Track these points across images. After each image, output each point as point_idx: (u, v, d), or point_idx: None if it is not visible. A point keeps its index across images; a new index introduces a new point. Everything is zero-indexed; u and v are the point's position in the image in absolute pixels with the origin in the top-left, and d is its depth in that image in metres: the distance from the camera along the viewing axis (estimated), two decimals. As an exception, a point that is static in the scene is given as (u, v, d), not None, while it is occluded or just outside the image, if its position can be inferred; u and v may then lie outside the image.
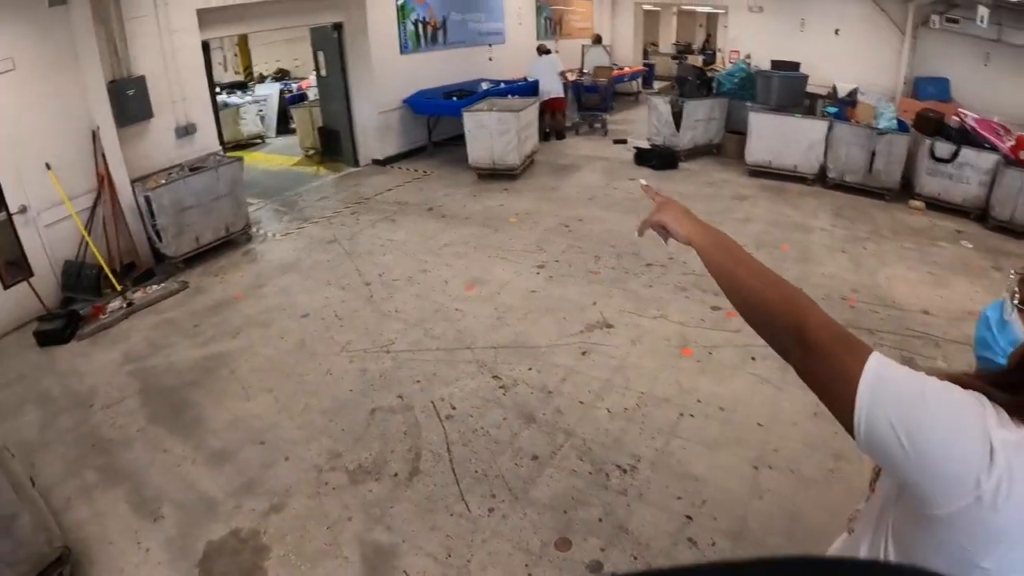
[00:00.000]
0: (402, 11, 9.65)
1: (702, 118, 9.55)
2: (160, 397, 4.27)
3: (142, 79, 6.19)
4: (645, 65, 16.71)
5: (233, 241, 6.89)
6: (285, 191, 8.92)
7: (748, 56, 11.44)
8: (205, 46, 7.17)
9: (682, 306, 5.02)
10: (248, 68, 17.10)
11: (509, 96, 9.77)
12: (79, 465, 3.64)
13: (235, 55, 17.63)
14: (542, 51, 10.81)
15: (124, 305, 5.70)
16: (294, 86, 13.80)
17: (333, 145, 10.24)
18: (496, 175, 8.76)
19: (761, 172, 8.59)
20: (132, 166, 6.29)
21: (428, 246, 6.52)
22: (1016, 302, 1.06)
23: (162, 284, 6.12)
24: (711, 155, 9.77)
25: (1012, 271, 1.13)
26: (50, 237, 5.82)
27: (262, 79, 15.72)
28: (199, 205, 6.36)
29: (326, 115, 10.26)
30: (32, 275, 5.78)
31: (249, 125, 12.47)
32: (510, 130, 8.42)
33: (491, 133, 8.47)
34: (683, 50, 20.81)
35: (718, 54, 19.57)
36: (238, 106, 12.28)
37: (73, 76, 5.71)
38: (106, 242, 6.15)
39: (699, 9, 21.09)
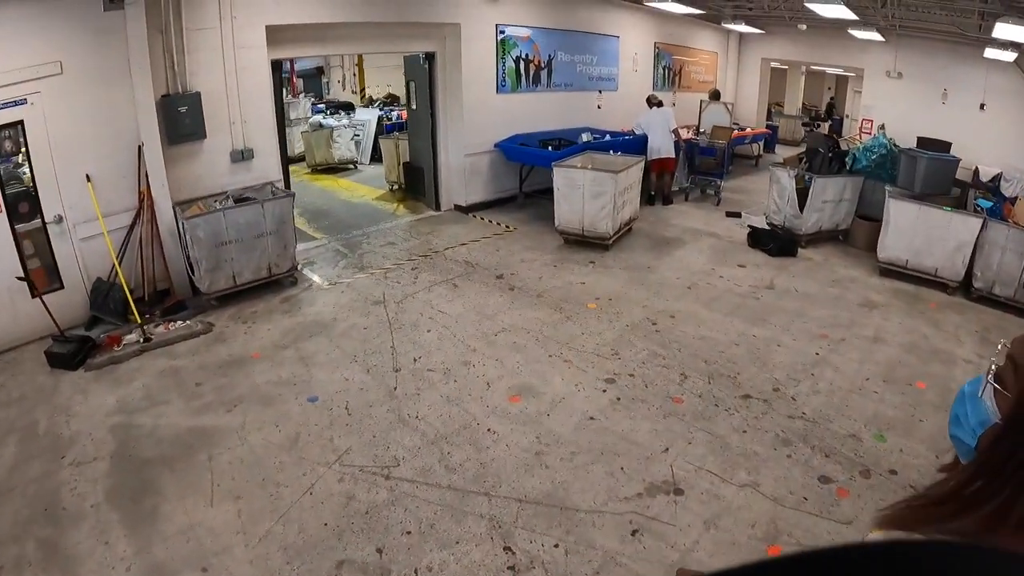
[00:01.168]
0: (503, 46, 8.89)
1: (831, 199, 8.16)
2: (129, 470, 3.73)
3: (197, 96, 5.73)
4: (768, 127, 15.30)
5: (277, 282, 6.28)
6: (354, 229, 8.36)
7: (883, 126, 10.04)
8: (277, 65, 6.65)
9: (782, 470, 3.71)
10: (363, 90, 17.15)
11: (611, 152, 8.69)
12: (25, 531, 3.25)
13: (354, 75, 17.76)
14: (653, 102, 9.67)
15: (141, 340, 5.19)
16: (394, 114, 13.38)
17: (416, 184, 9.57)
18: (585, 243, 7.70)
19: (894, 272, 7.12)
20: (180, 188, 5.85)
21: (483, 328, 5.53)
22: (991, 378, 0.86)
23: (186, 322, 5.56)
24: (836, 242, 8.33)
25: (1002, 342, 0.88)
26: (85, 251, 5.50)
27: (371, 102, 15.58)
28: (239, 241, 5.76)
29: (412, 150, 9.62)
30: (62, 287, 5.49)
31: (342, 149, 12.13)
32: (605, 193, 7.33)
33: (583, 194, 7.42)
34: (814, 116, 19.24)
35: (845, 120, 17.95)
36: (332, 129, 11.94)
37: (123, 86, 5.32)
38: (140, 265, 5.75)
39: (829, 70, 19.61)
